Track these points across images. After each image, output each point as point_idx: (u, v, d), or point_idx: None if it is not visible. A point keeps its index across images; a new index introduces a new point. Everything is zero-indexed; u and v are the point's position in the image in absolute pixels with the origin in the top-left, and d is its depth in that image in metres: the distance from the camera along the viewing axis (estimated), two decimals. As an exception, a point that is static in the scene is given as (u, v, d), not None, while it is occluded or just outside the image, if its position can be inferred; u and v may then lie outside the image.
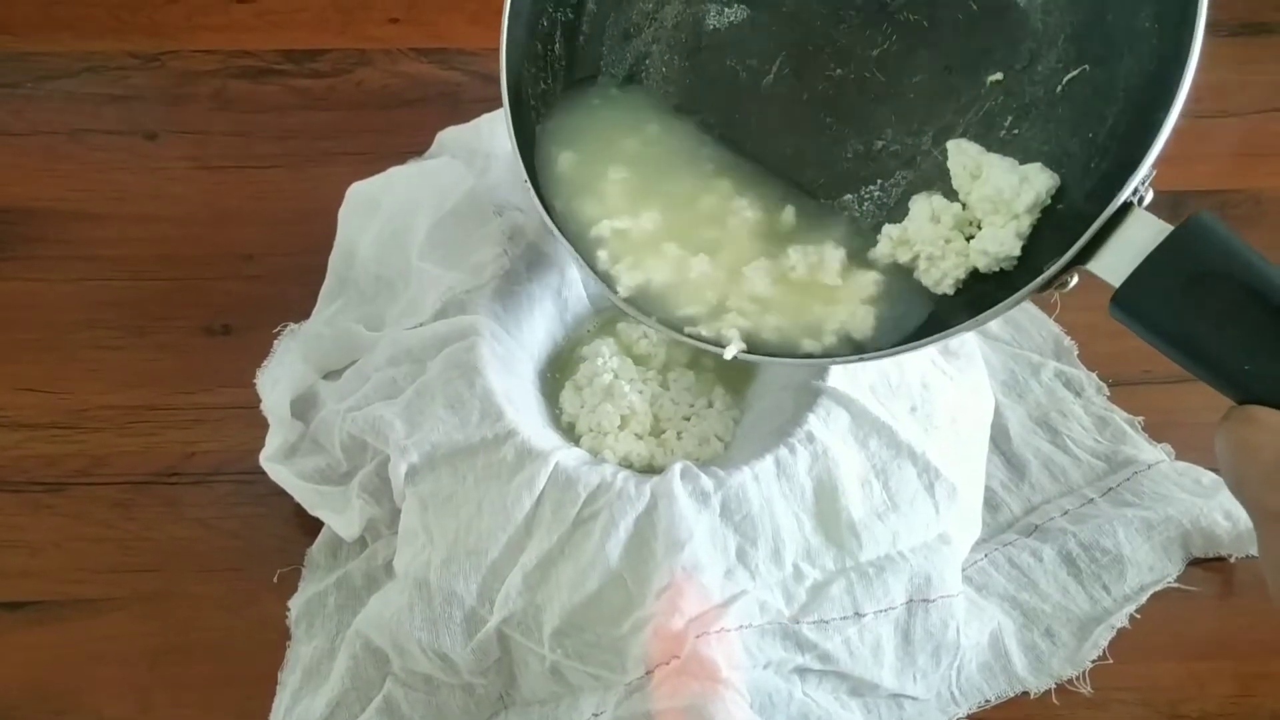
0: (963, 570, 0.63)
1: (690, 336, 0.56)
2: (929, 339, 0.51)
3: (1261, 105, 0.90)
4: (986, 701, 0.62)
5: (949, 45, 0.56)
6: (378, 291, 0.72)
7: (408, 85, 0.90)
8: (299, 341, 0.72)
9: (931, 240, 0.54)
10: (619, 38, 0.63)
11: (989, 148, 0.54)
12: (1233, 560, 0.67)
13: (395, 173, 0.74)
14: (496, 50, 0.59)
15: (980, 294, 0.52)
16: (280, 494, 0.66)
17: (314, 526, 0.66)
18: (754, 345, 0.55)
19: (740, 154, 0.61)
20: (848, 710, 0.60)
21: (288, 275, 0.77)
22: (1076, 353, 0.76)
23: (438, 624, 0.57)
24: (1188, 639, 0.64)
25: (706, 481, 0.57)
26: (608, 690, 0.56)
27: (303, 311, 0.74)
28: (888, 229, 0.56)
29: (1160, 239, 0.44)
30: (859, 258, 0.57)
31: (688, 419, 0.66)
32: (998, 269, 0.52)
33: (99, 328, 0.75)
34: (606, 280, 0.58)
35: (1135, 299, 0.44)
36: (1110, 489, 0.69)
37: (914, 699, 0.61)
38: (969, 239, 0.53)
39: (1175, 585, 0.66)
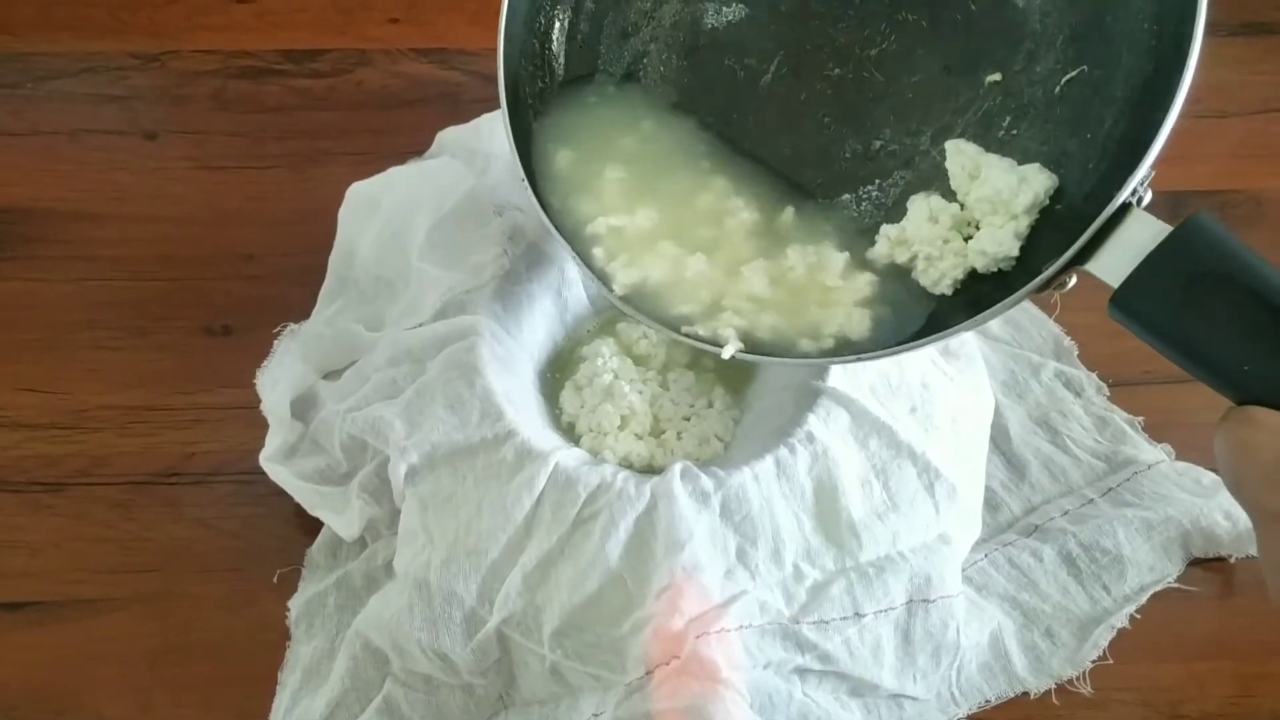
0: (963, 570, 0.63)
1: (688, 336, 0.56)
2: (928, 339, 0.51)
3: (1262, 105, 0.90)
4: (986, 702, 0.62)
5: (948, 45, 0.56)
6: (378, 292, 0.72)
7: (408, 85, 0.90)
8: (299, 342, 0.72)
9: (930, 240, 0.54)
10: (617, 36, 0.63)
11: (987, 148, 0.54)
12: (1233, 560, 0.67)
13: (395, 173, 0.74)
14: (495, 50, 0.59)
15: (978, 294, 0.52)
16: (280, 494, 0.66)
17: (314, 527, 0.66)
18: (750, 344, 0.55)
19: (738, 153, 0.61)
20: (848, 710, 0.60)
21: (288, 275, 0.77)
22: (1076, 353, 0.76)
23: (437, 624, 0.57)
24: (1188, 639, 0.64)
25: (706, 482, 0.57)
26: (607, 690, 0.56)
27: (303, 312, 0.74)
28: (886, 229, 0.56)
29: (1159, 240, 0.44)
30: (857, 258, 0.57)
31: (688, 419, 0.66)
32: (996, 269, 0.52)
33: (99, 328, 0.75)
34: (603, 278, 0.58)
35: (1134, 300, 0.44)
36: (1110, 489, 0.69)
37: (914, 699, 0.61)
38: (967, 239, 0.53)
39: (1175, 585, 0.66)
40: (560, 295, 0.69)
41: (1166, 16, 0.47)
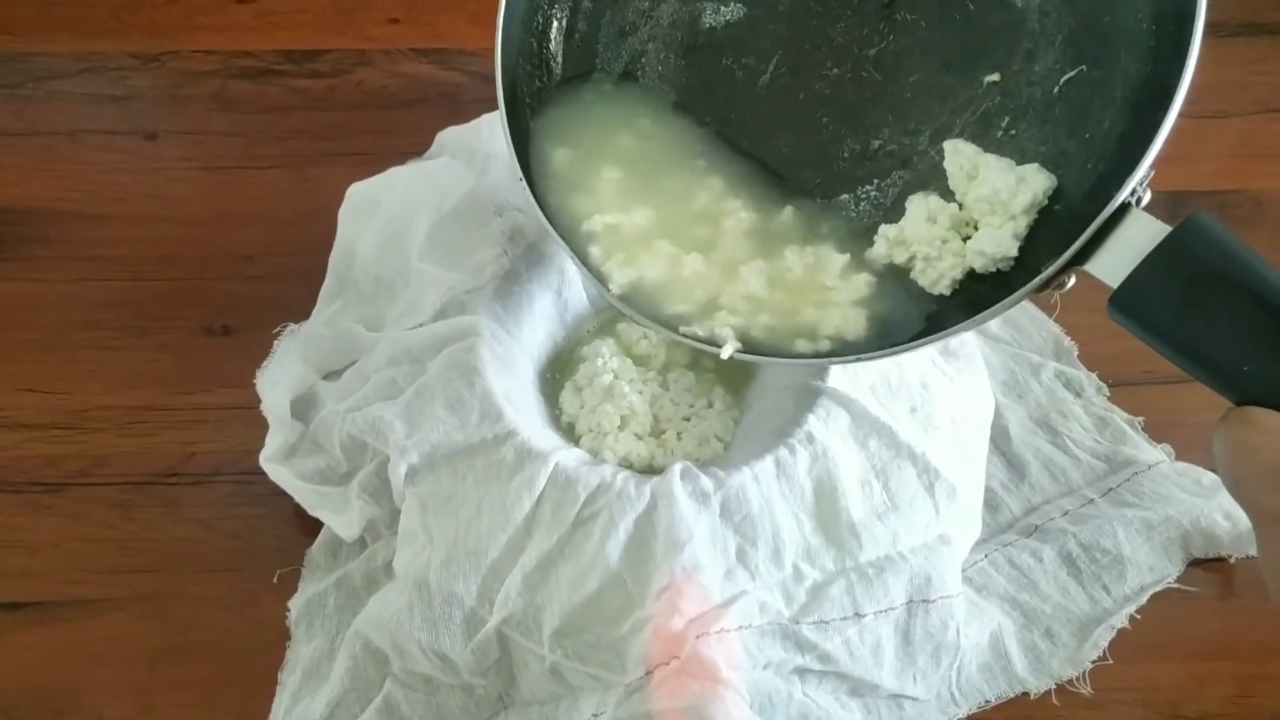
0: (963, 571, 0.63)
1: (686, 336, 0.56)
2: (927, 339, 0.51)
3: (1262, 105, 0.90)
4: (986, 702, 0.62)
5: (946, 45, 0.56)
6: (377, 292, 0.72)
7: (408, 86, 0.90)
8: (299, 342, 0.72)
9: (928, 241, 0.54)
10: (615, 35, 0.63)
11: (986, 148, 0.54)
12: (1233, 561, 0.67)
13: (395, 173, 0.74)
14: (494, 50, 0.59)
15: (977, 295, 0.52)
16: (280, 494, 0.66)
17: (314, 527, 0.66)
18: (747, 344, 0.55)
19: (736, 152, 0.61)
20: (847, 711, 0.60)
21: (288, 276, 0.77)
22: (1076, 353, 0.76)
23: (437, 624, 0.57)
24: (1188, 639, 0.64)
25: (706, 482, 0.57)
26: (607, 691, 0.56)
27: (303, 312, 0.74)
28: (884, 229, 0.56)
29: (1158, 240, 0.43)
30: (855, 258, 0.57)
31: (688, 419, 0.66)
32: (995, 270, 0.52)
33: (99, 328, 0.75)
34: (599, 277, 0.58)
35: (1133, 300, 0.44)
36: (1110, 489, 0.69)
37: (914, 699, 0.61)
38: (966, 239, 0.53)
39: (1175, 586, 0.66)
40: (560, 295, 0.69)
41: (1165, 17, 0.47)
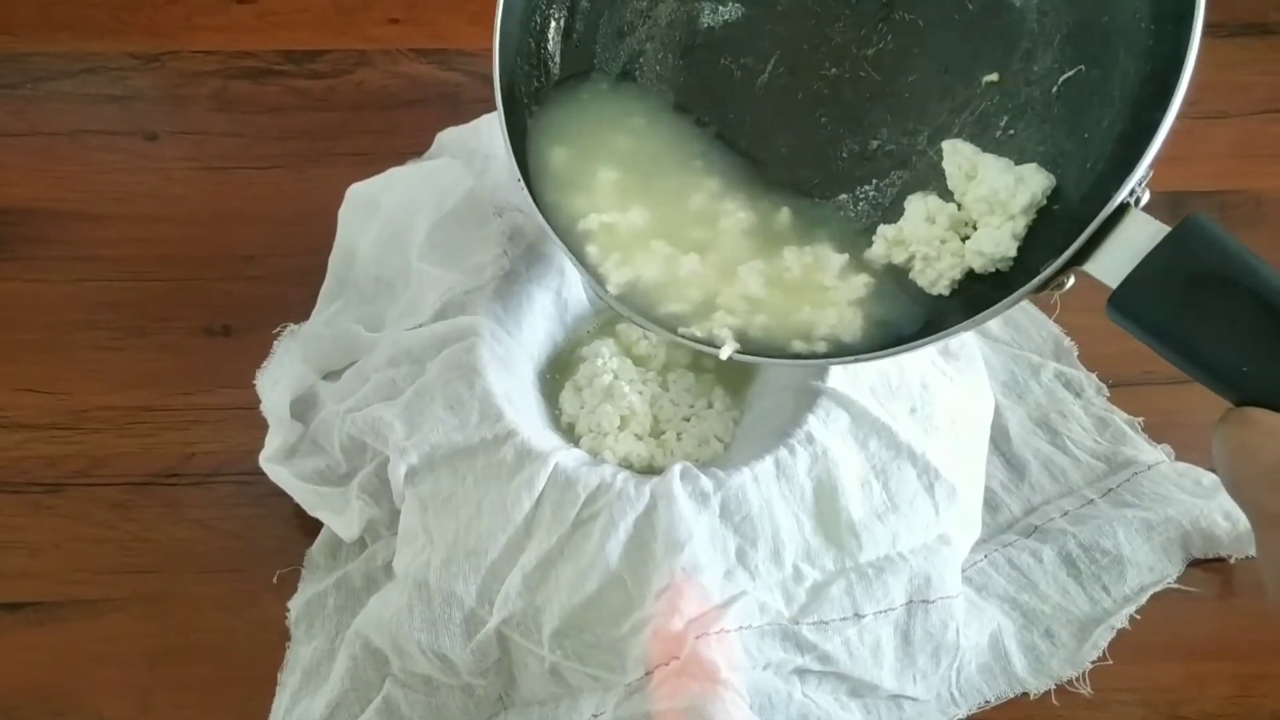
0: (962, 571, 0.63)
1: (684, 337, 0.56)
2: (926, 340, 0.51)
3: (1262, 106, 0.90)
4: (986, 702, 0.62)
5: (945, 45, 0.56)
6: (377, 292, 0.72)
7: (408, 86, 0.90)
8: (299, 342, 0.72)
9: (927, 241, 0.53)
10: (613, 35, 0.63)
11: (985, 148, 0.54)
12: (1232, 561, 0.67)
13: (395, 173, 0.74)
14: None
15: (976, 295, 0.52)
16: (280, 495, 0.66)
17: (314, 527, 0.66)
18: (745, 345, 0.55)
19: (734, 152, 0.61)
20: (847, 711, 0.60)
21: (288, 276, 0.77)
22: (1076, 353, 0.76)
23: (437, 625, 0.57)
24: (1188, 640, 0.64)
25: (706, 482, 0.57)
26: (607, 691, 0.57)
27: (303, 312, 0.74)
28: (883, 229, 0.55)
29: (1157, 240, 0.43)
30: (854, 258, 0.57)
31: (687, 420, 0.66)
32: (994, 270, 0.52)
33: (99, 328, 0.75)
34: (597, 277, 0.58)
35: (1132, 300, 0.44)
36: (1110, 490, 0.69)
37: (914, 700, 0.61)
38: (964, 239, 0.53)
39: (1175, 586, 0.66)
40: (560, 296, 0.69)
41: (1164, 16, 0.47)
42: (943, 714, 0.61)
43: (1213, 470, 0.66)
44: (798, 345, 0.55)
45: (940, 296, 0.54)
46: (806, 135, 0.59)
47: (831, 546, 0.59)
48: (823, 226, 0.58)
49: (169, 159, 0.85)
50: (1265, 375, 0.41)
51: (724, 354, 0.54)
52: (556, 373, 0.69)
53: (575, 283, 0.69)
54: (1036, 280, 0.47)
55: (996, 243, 0.51)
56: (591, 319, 0.71)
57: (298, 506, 0.66)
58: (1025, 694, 0.62)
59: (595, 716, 0.56)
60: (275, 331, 0.73)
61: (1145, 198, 0.45)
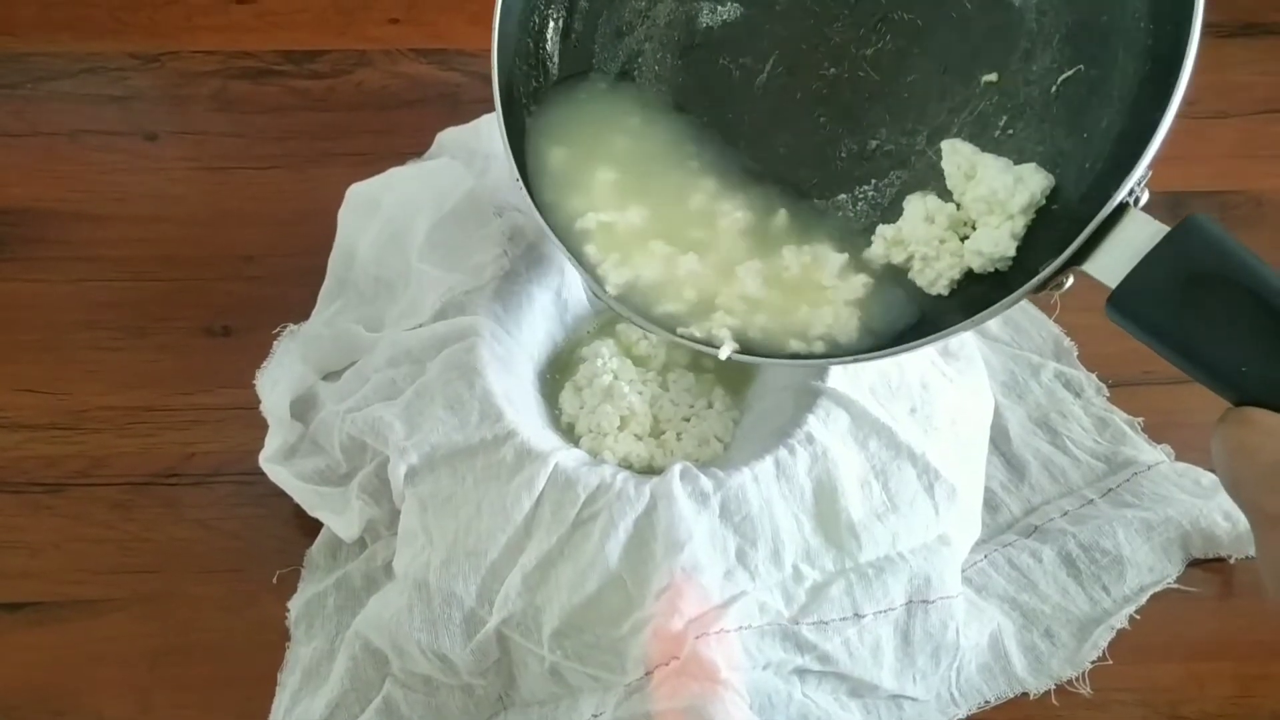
0: (962, 571, 0.63)
1: (683, 337, 0.56)
2: (926, 340, 0.51)
3: (1262, 106, 0.90)
4: (986, 702, 0.62)
5: (944, 45, 0.56)
6: (377, 292, 0.72)
7: (407, 86, 0.90)
8: (298, 342, 0.72)
9: (926, 241, 0.53)
10: (611, 35, 0.63)
11: (984, 148, 0.53)
12: (1232, 561, 0.67)
13: (395, 173, 0.74)
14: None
15: (975, 295, 0.52)
16: (280, 495, 0.66)
17: (313, 527, 0.66)
18: (744, 345, 0.55)
19: (733, 152, 0.61)
20: (847, 711, 0.60)
21: (288, 276, 0.77)
22: (1076, 353, 0.76)
23: (437, 625, 0.57)
24: (1187, 640, 0.64)
25: (706, 482, 0.57)
26: (607, 691, 0.57)
27: (302, 312, 0.74)
28: (882, 229, 0.55)
29: (1156, 240, 0.43)
30: (853, 258, 0.57)
31: (687, 420, 0.66)
32: (993, 270, 0.52)
33: (99, 328, 0.75)
34: (595, 277, 0.58)
35: (1131, 300, 0.44)
36: (1110, 490, 0.69)
37: (914, 700, 0.61)
38: (963, 239, 0.53)
39: (1175, 586, 0.66)
40: (560, 296, 0.69)
41: (1163, 16, 0.47)
42: (942, 714, 0.61)
43: (1212, 470, 0.66)
44: (795, 345, 0.55)
45: (939, 296, 0.54)
46: (805, 135, 0.59)
47: (831, 547, 0.59)
48: (821, 226, 0.58)
49: (169, 159, 0.85)
50: (1264, 375, 0.41)
51: (723, 354, 0.54)
52: (556, 373, 0.69)
53: (575, 283, 0.69)
54: (1035, 280, 0.47)
55: (995, 242, 0.51)
56: (591, 319, 0.71)
57: (298, 506, 0.66)
58: (1025, 694, 0.62)
59: (595, 717, 0.56)
60: (275, 332, 0.73)
61: (1144, 197, 0.45)
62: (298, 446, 0.67)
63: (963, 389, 0.65)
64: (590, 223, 0.59)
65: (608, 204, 0.59)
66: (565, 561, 0.56)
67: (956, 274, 0.53)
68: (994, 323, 0.76)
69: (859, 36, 0.58)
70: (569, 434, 0.65)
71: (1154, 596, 0.65)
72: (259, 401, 0.69)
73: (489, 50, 0.59)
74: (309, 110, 0.88)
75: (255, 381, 0.70)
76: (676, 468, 0.58)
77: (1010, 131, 0.53)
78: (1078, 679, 0.62)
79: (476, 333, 0.63)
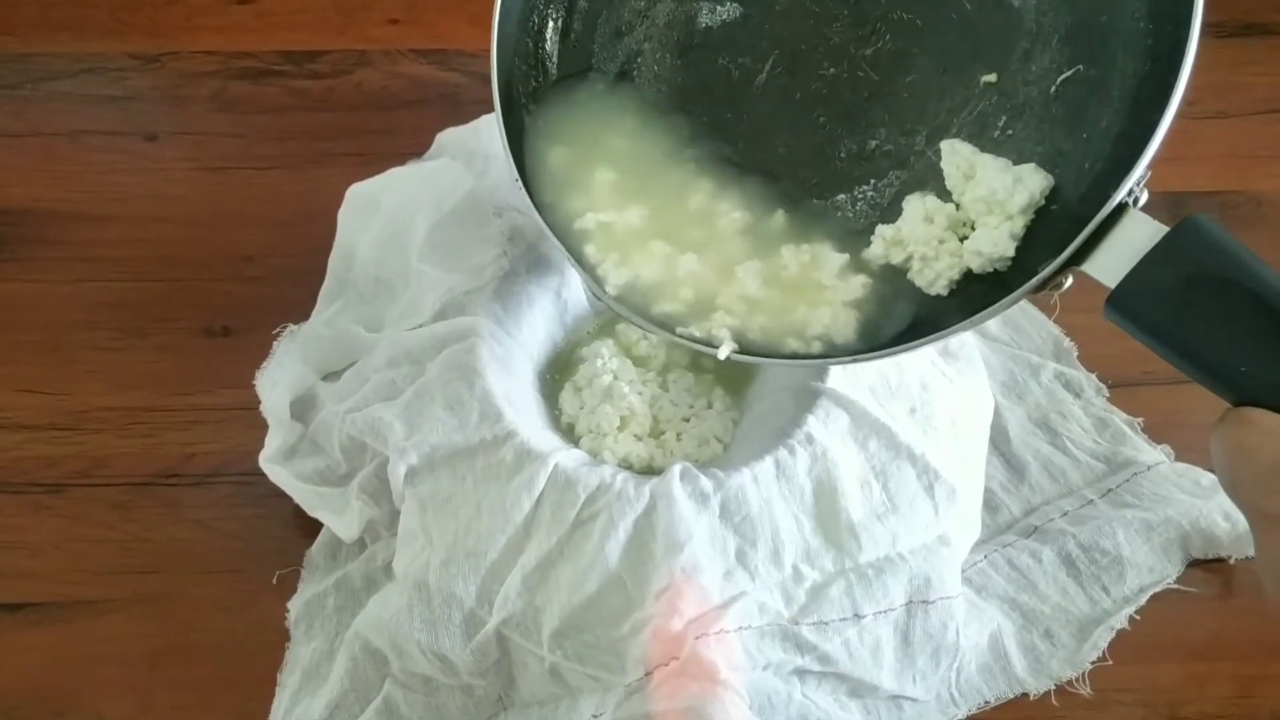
0: (962, 572, 0.63)
1: (682, 337, 0.56)
2: (925, 340, 0.51)
3: (1261, 106, 0.90)
4: (986, 703, 0.62)
5: (943, 45, 0.56)
6: (377, 293, 0.72)
7: (407, 86, 0.90)
8: (298, 343, 0.72)
9: (925, 241, 0.53)
10: (610, 35, 0.63)
11: (983, 148, 0.53)
12: (1232, 561, 0.67)
13: (395, 174, 0.74)
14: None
15: (974, 295, 0.52)
16: (280, 495, 0.66)
17: (313, 528, 0.66)
18: (744, 345, 0.55)
19: (732, 153, 0.61)
20: (847, 712, 0.60)
21: (287, 276, 0.77)
22: (1076, 354, 0.76)
23: (437, 625, 0.57)
24: (1187, 640, 0.64)
25: (706, 483, 0.57)
26: (607, 691, 0.57)
27: (302, 313, 0.74)
28: (881, 229, 0.55)
29: (1156, 240, 0.43)
30: (852, 259, 0.57)
31: (687, 420, 0.66)
32: (992, 270, 0.52)
33: (98, 329, 0.75)
34: (595, 277, 0.58)
35: (1130, 301, 0.44)
36: (1110, 490, 0.69)
37: (913, 700, 0.61)
38: (962, 240, 0.53)
39: (1175, 586, 0.66)
40: (560, 296, 0.69)
41: (1162, 16, 0.47)
42: (942, 714, 0.61)
43: (1212, 470, 0.66)
44: (794, 345, 0.55)
45: (938, 297, 0.54)
46: (805, 135, 0.59)
47: (831, 547, 0.59)
48: (821, 227, 0.58)
49: (169, 159, 0.85)
50: (1263, 376, 0.41)
51: (722, 354, 0.54)
52: (556, 373, 0.69)
53: (575, 283, 0.69)
54: (1034, 280, 0.47)
55: (994, 243, 0.51)
56: (591, 319, 0.71)
57: (297, 507, 0.66)
58: (1025, 694, 0.62)
59: (595, 717, 0.56)
60: (275, 332, 0.73)
61: (1144, 198, 0.45)
62: (297, 447, 0.67)
63: (962, 389, 0.65)
64: (589, 223, 0.59)
65: (607, 204, 0.59)
66: (565, 562, 0.56)
67: (955, 274, 0.53)
68: (994, 323, 0.76)
69: (858, 36, 0.58)
70: (569, 434, 0.65)
71: (1154, 597, 0.65)
72: (259, 402, 0.69)
73: (488, 50, 0.59)
74: (309, 110, 0.88)
75: (255, 382, 0.70)
76: (676, 468, 0.58)
77: (1010, 132, 0.53)
78: (1078, 679, 0.62)
79: (476, 333, 0.63)
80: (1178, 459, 0.71)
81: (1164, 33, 0.47)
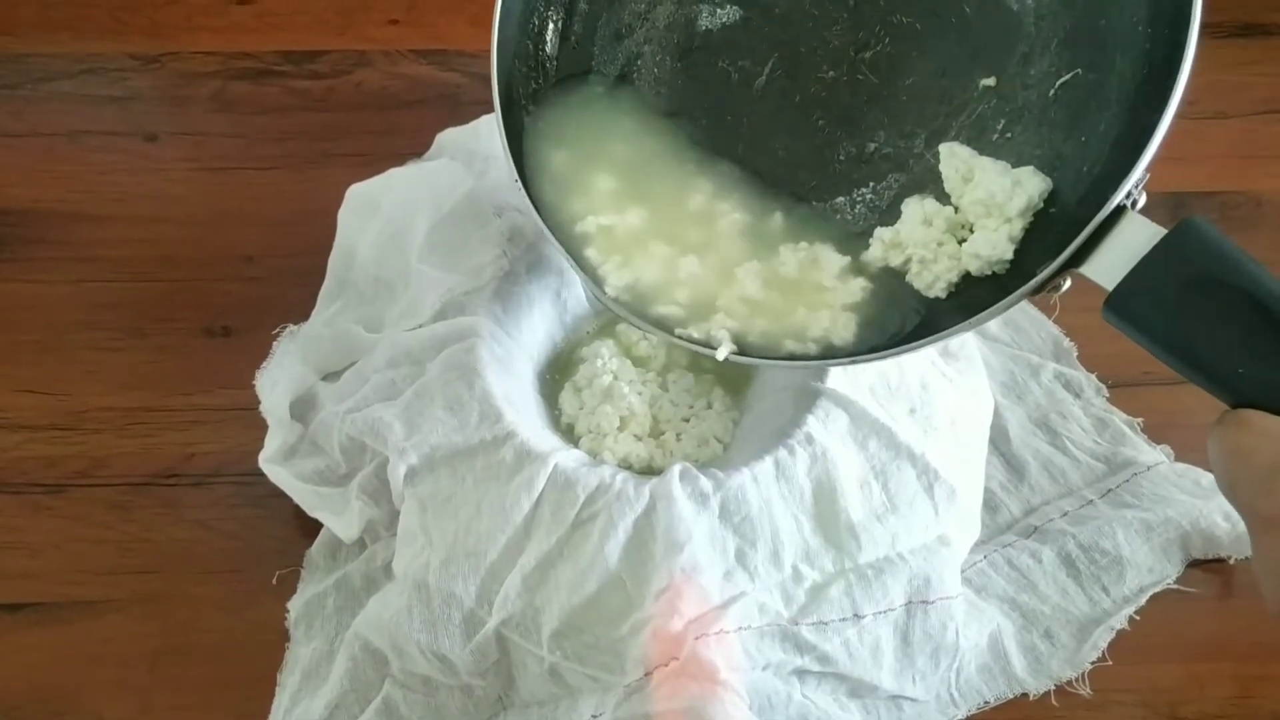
0: (962, 572, 0.63)
1: (682, 338, 0.56)
2: (923, 341, 0.51)
3: (1261, 106, 0.89)
4: (986, 703, 0.62)
5: (942, 48, 0.56)
6: (377, 293, 0.72)
7: (407, 87, 0.90)
8: (298, 343, 0.72)
9: (924, 243, 0.53)
10: (610, 38, 0.63)
11: (981, 151, 0.54)
12: (1232, 562, 0.67)
13: (394, 174, 0.74)
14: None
15: (973, 297, 0.52)
16: (279, 495, 0.66)
17: (313, 528, 0.66)
18: (743, 347, 0.55)
19: (731, 155, 0.61)
20: (846, 712, 0.60)
21: (287, 277, 0.77)
22: (1076, 354, 0.76)
23: (436, 625, 0.57)
24: (1187, 640, 0.64)
25: (705, 483, 0.57)
26: (606, 692, 0.57)
27: (302, 313, 0.74)
28: (880, 232, 0.55)
29: (1153, 243, 0.43)
30: (851, 261, 0.57)
31: (687, 420, 0.66)
32: (990, 272, 0.52)
33: (98, 329, 0.75)
34: (595, 279, 0.58)
35: (1128, 303, 0.44)
36: (1109, 490, 0.69)
37: (913, 700, 0.61)
38: (961, 242, 0.53)
39: (1174, 587, 0.66)
40: (560, 296, 0.69)
41: (1160, 19, 0.47)
42: (942, 714, 0.61)
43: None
44: (792, 346, 0.55)
45: (937, 299, 0.54)
46: (804, 138, 0.59)
47: (831, 547, 0.59)
48: (820, 229, 0.58)
49: (169, 160, 0.85)
50: (1261, 378, 0.41)
51: (720, 355, 0.55)
52: (556, 373, 0.69)
53: (575, 283, 0.69)
54: (1033, 283, 0.47)
55: (993, 245, 0.51)
56: (591, 320, 0.71)
57: (297, 507, 0.66)
58: (1025, 695, 0.62)
59: (595, 717, 0.56)
60: (275, 332, 0.73)
61: (1142, 200, 0.45)
62: (297, 447, 0.67)
63: (962, 389, 0.65)
64: (590, 226, 0.59)
65: (607, 207, 0.59)
66: (565, 562, 0.56)
67: (954, 277, 0.53)
68: (993, 323, 0.76)
69: (858, 40, 0.58)
70: (568, 435, 0.65)
71: (1153, 597, 0.65)
72: (259, 402, 0.69)
73: (489, 51, 0.59)
74: (309, 111, 0.88)
75: (255, 382, 0.70)
76: (676, 468, 0.58)
77: (1008, 135, 0.54)
78: (1077, 680, 0.62)
79: (476, 333, 0.63)
80: (1178, 459, 0.71)
81: (1162, 37, 0.47)
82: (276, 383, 0.69)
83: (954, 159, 0.54)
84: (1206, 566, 0.67)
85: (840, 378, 0.61)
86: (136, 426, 0.71)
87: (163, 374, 0.73)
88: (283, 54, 0.91)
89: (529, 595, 0.56)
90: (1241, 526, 0.65)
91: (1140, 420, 0.73)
